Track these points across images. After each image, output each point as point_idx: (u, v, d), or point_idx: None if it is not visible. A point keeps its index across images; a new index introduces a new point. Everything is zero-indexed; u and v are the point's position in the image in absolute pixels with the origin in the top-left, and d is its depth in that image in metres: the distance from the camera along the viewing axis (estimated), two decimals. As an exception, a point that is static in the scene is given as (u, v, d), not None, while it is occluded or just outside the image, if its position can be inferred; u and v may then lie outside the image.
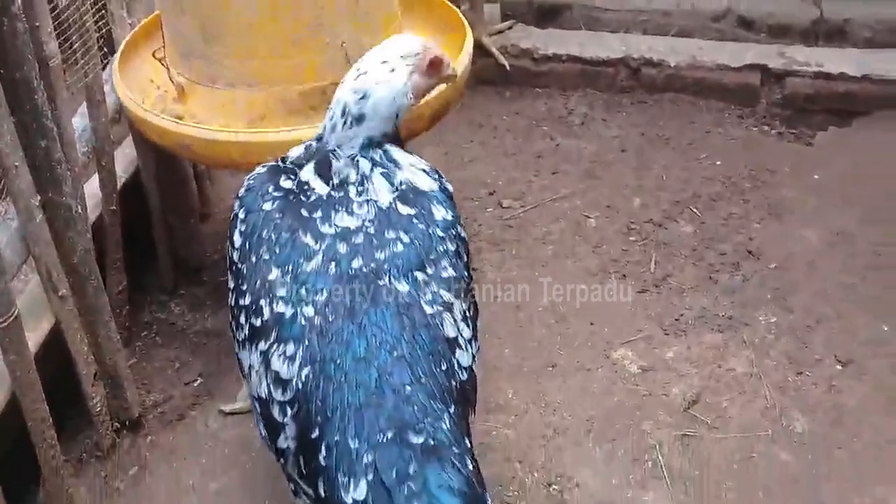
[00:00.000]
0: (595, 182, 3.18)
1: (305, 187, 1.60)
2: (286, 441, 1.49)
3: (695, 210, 3.03)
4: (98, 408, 2.18)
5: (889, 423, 2.31)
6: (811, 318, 2.63)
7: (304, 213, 1.56)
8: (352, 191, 1.59)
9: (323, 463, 1.41)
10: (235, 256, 1.61)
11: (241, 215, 1.61)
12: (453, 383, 1.49)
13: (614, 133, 3.41)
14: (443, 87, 2.14)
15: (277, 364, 1.47)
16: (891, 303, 2.67)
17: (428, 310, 1.50)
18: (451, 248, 1.58)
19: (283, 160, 1.69)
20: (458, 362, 1.52)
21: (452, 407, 1.46)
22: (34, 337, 2.07)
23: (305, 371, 1.44)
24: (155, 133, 2.17)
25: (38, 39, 1.82)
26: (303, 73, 2.12)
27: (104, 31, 2.36)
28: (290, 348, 1.46)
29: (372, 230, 1.54)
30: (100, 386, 2.19)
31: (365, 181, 1.61)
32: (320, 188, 1.60)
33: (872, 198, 3.05)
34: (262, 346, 1.50)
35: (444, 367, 1.48)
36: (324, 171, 1.61)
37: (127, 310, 2.55)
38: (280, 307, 1.48)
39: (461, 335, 1.54)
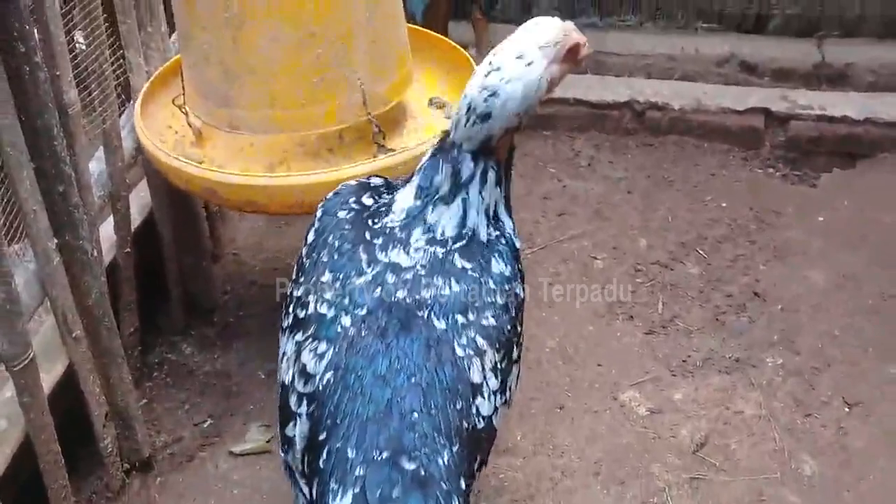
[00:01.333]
0: (602, 223, 3.21)
1: (382, 209, 1.66)
2: (294, 430, 1.55)
3: (701, 252, 3.05)
4: (109, 448, 2.19)
5: (897, 466, 2.32)
6: (818, 360, 2.64)
7: (367, 235, 1.62)
8: (417, 231, 1.61)
9: (321, 466, 1.46)
10: (304, 251, 1.68)
11: (319, 215, 1.69)
12: (465, 424, 1.50)
13: (620, 175, 3.45)
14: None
15: (307, 357, 1.54)
16: (898, 344, 2.68)
17: (459, 351, 1.52)
18: (500, 301, 1.59)
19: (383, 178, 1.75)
20: (476, 408, 1.53)
21: (457, 446, 1.47)
22: (48, 379, 2.09)
23: (329, 375, 1.51)
24: (179, 178, 2.21)
25: (58, 88, 1.88)
26: (322, 117, 2.16)
27: (122, 78, 2.42)
28: (322, 347, 1.54)
29: (422, 273, 1.57)
30: (111, 427, 2.20)
31: (439, 218, 1.60)
32: (393, 217, 1.63)
33: (878, 240, 3.08)
34: (299, 336, 1.57)
35: (458, 406, 1.50)
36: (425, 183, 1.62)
37: (139, 350, 2.58)
38: (323, 308, 1.56)
39: (486, 383, 1.55)
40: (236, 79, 2.11)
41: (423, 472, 1.42)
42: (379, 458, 1.41)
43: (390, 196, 1.68)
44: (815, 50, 3.77)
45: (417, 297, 1.54)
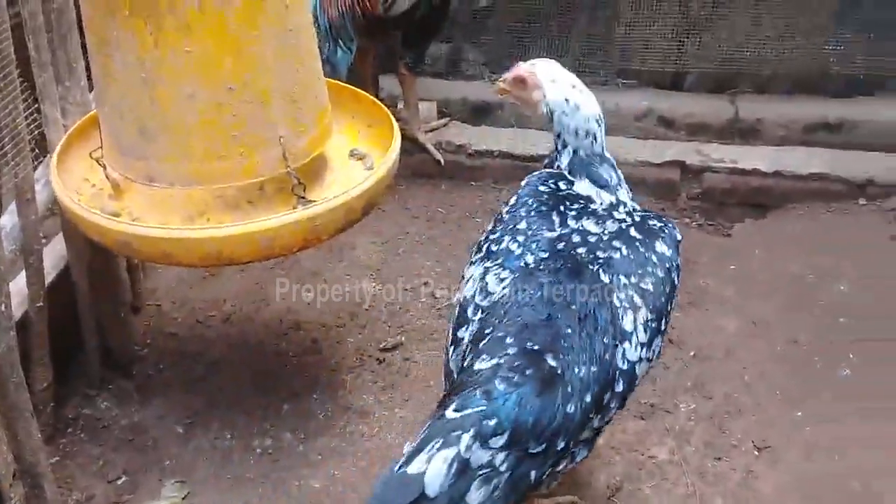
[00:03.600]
0: (525, 273, 3.28)
1: (573, 191, 2.10)
2: (465, 332, 1.90)
3: (618, 300, 3.13)
4: (15, 508, 2.13)
5: (803, 508, 2.39)
6: (730, 405, 2.72)
7: (562, 206, 2.05)
8: (602, 205, 2.08)
9: (480, 347, 1.77)
10: (504, 210, 2.12)
11: (523, 184, 2.15)
12: (608, 358, 1.81)
13: (544, 225, 3.53)
14: (373, 181, 2.26)
15: (491, 279, 1.94)
16: (805, 389, 2.78)
17: (616, 302, 1.88)
18: (660, 274, 1.97)
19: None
20: (623, 351, 1.85)
21: (595, 369, 1.77)
22: (-49, 436, 2.04)
23: (505, 292, 1.88)
24: (94, 231, 2.19)
25: (-33, 143, 1.88)
26: (241, 170, 2.17)
27: (36, 133, 2.41)
28: (504, 274, 1.93)
29: (605, 238, 1.98)
30: (18, 486, 2.14)
31: (616, 195, 2.12)
32: (592, 199, 2.10)
33: (788, 287, 3.21)
34: (488, 264, 1.98)
35: (605, 341, 1.82)
36: (595, 178, 2.12)
37: (52, 405, 2.53)
38: (513, 246, 1.98)
39: (636, 335, 1.88)
40: (153, 133, 2.12)
41: (558, 372, 1.69)
42: (529, 348, 1.72)
43: (571, 186, 2.12)
44: (729, 105, 3.96)
45: (592, 255, 1.93)
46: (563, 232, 2.00)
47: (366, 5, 3.32)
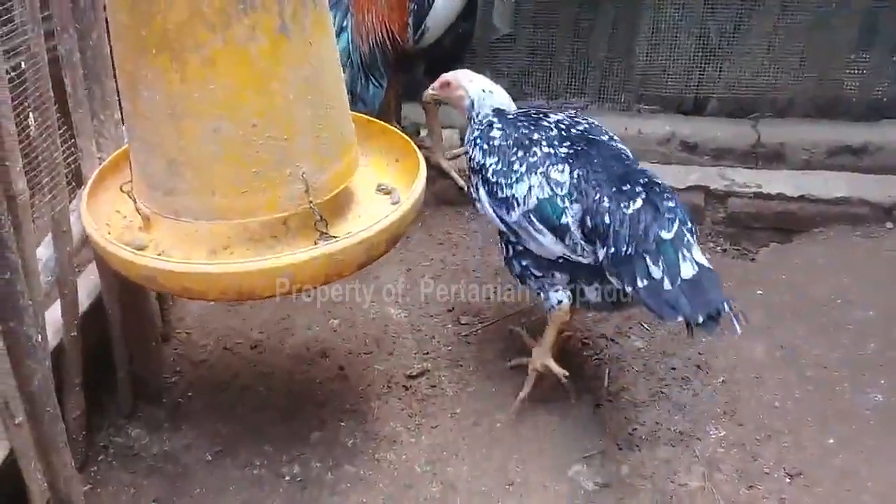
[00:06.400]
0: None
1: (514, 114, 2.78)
2: (569, 219, 2.43)
3: (644, 325, 3.13)
4: (50, 537, 2.15)
5: (838, 536, 2.36)
6: (760, 431, 2.70)
7: (520, 121, 2.73)
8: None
9: (614, 191, 2.39)
10: (484, 147, 2.69)
11: (479, 135, 2.76)
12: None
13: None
14: (397, 217, 2.27)
15: (555, 174, 2.49)
16: (836, 415, 2.75)
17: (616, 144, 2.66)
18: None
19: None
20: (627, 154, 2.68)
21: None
22: (-11, 465, 2.07)
23: (576, 174, 2.47)
24: (120, 265, 2.22)
25: (7, 178, 1.91)
26: (264, 205, 2.18)
27: (73, 166, 2.46)
28: (561, 167, 2.50)
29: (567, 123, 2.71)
30: (52, 514, 2.17)
31: None
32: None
33: (815, 311, 3.19)
34: (542, 169, 2.51)
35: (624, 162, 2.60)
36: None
37: (84, 434, 2.55)
38: (545, 149, 2.56)
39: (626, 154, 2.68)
40: (178, 168, 2.14)
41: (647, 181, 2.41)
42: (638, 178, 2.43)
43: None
44: (751, 130, 3.97)
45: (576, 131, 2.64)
46: (549, 130, 2.62)
47: (396, 39, 3.39)
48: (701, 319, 2.13)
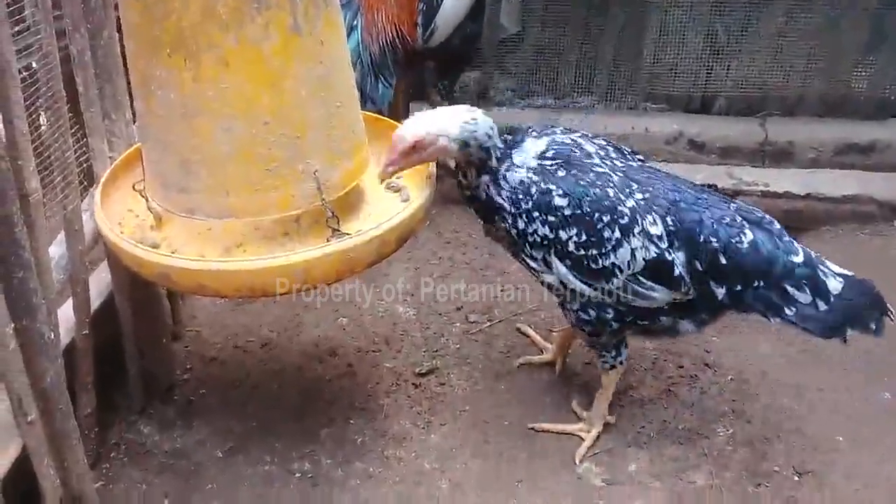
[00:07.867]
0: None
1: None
2: (679, 269, 2.30)
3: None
4: (62, 533, 2.17)
5: (847, 534, 2.36)
6: (768, 429, 2.71)
7: (580, 162, 2.39)
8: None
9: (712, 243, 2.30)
10: (557, 216, 2.33)
11: (539, 192, 2.37)
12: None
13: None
14: (407, 214, 2.28)
15: (651, 228, 2.29)
16: (845, 413, 2.76)
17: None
18: None
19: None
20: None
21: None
22: (2, 462, 2.08)
23: (668, 220, 2.29)
24: (133, 262, 2.23)
25: (20, 177, 1.93)
26: (276, 203, 2.19)
27: (85, 165, 2.48)
28: (650, 218, 2.29)
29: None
30: (65, 510, 2.18)
31: None
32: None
33: (823, 309, 3.18)
34: (638, 228, 2.29)
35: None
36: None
37: (96, 431, 2.57)
38: (630, 204, 2.30)
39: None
40: (192, 167, 2.15)
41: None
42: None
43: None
44: (759, 128, 3.96)
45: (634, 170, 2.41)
46: (608, 175, 2.34)
47: (405, 39, 3.40)
48: (874, 326, 2.30)
